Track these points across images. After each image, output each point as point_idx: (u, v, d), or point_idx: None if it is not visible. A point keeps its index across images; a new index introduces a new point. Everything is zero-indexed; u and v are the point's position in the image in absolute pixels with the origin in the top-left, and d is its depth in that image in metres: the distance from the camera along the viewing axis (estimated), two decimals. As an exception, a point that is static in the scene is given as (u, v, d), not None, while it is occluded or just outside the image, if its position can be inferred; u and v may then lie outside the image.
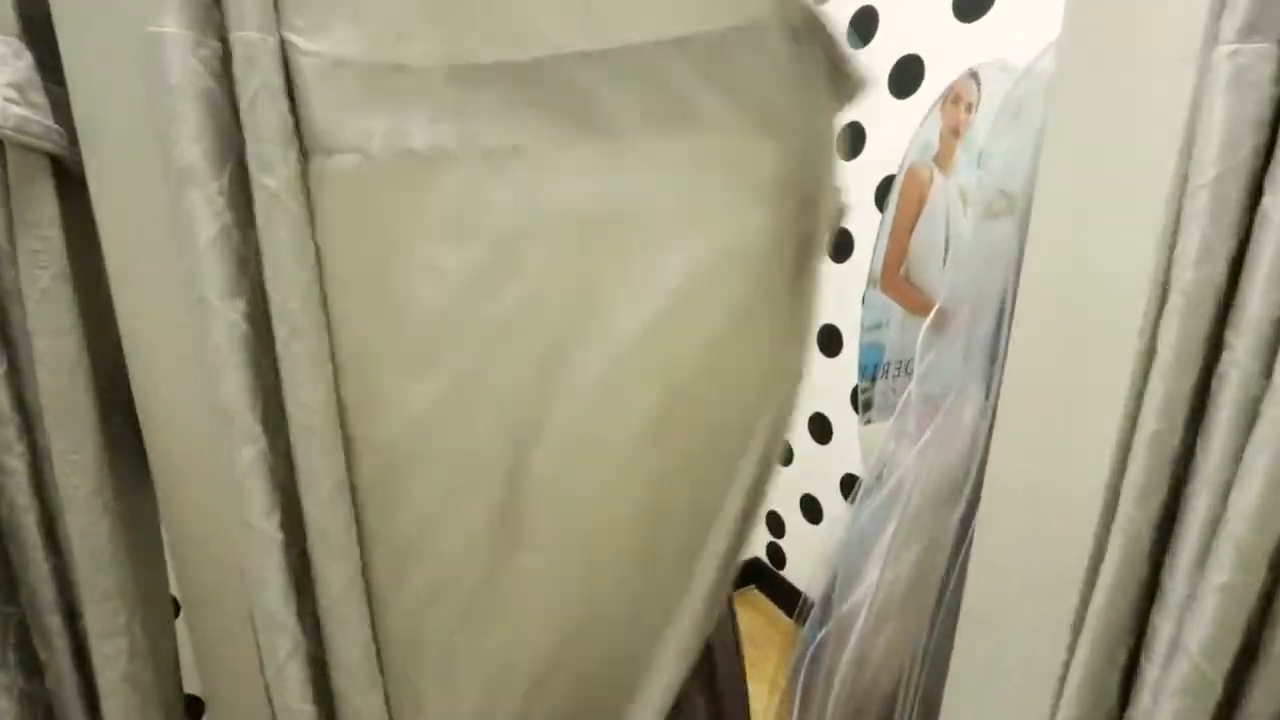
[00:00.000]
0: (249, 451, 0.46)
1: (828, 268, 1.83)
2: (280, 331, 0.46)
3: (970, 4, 1.35)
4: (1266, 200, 0.36)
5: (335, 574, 0.49)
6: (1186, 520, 0.40)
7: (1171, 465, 0.40)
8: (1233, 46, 0.36)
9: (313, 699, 0.48)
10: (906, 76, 1.50)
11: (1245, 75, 0.36)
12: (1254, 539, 0.35)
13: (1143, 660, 0.43)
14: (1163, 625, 0.42)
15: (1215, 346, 0.38)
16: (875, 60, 1.55)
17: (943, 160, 1.52)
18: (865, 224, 1.65)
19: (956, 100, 1.44)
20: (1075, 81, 0.46)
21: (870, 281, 1.72)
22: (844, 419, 1.85)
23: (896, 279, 1.71)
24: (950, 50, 1.41)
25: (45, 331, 0.44)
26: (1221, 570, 0.36)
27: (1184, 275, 0.38)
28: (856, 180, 1.65)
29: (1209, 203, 0.37)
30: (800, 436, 1.95)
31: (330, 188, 0.46)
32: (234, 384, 0.45)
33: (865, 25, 1.57)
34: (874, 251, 1.68)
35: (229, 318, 0.45)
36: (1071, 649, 0.44)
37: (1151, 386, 0.39)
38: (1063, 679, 0.44)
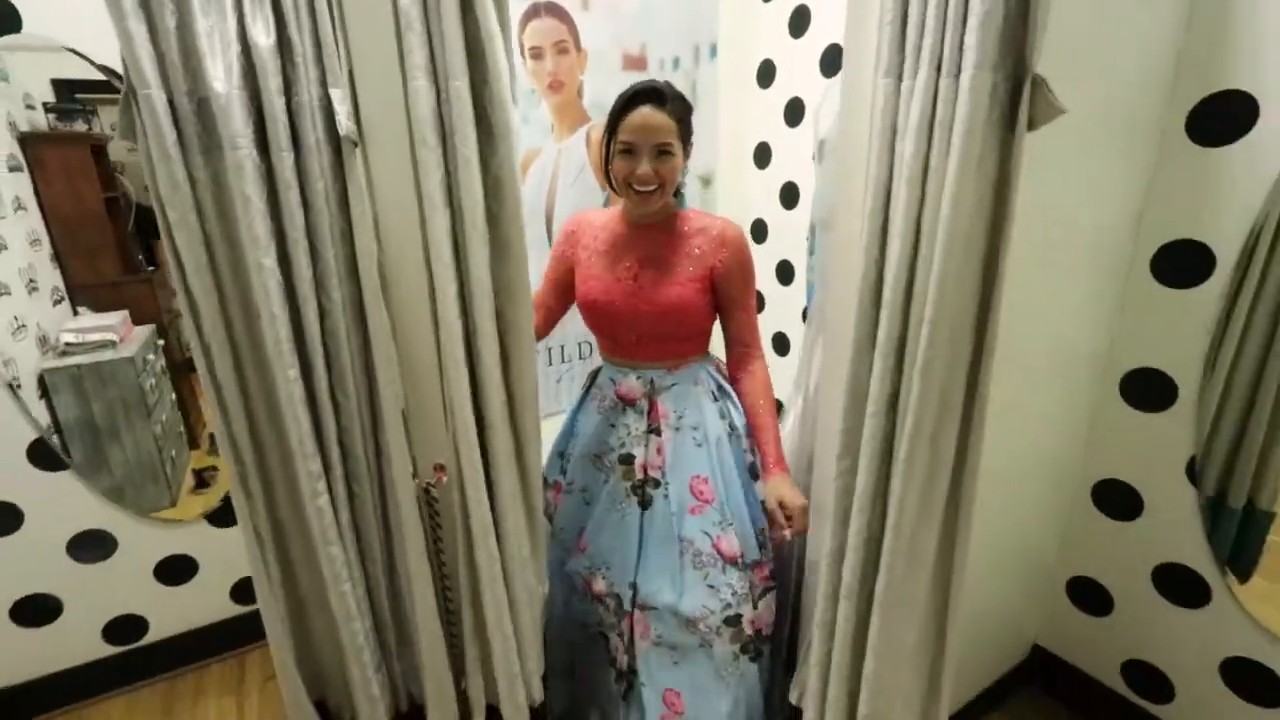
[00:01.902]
0: (454, 309, 0.96)
1: (780, 214, 2.30)
2: (470, 237, 0.95)
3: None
4: (897, 146, 0.86)
5: (495, 391, 1.01)
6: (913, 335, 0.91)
7: (903, 311, 0.89)
8: (883, 79, 0.85)
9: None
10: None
11: (887, 92, 0.85)
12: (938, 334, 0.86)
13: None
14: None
15: (916, 245, 0.88)
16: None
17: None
18: (807, 178, 2.13)
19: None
20: (846, 97, 0.96)
21: (815, 224, 2.20)
22: (797, 333, 2.35)
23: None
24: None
25: (389, 233, 0.95)
26: (915, 354, 0.87)
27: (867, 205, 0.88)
28: (800, 143, 2.12)
29: (876, 163, 0.87)
30: (766, 351, 2.46)
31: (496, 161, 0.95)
32: (447, 274, 0.95)
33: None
34: (814, 202, 2.15)
35: (444, 225, 0.94)
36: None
37: (886, 273, 0.89)
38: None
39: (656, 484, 1.26)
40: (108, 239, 1.73)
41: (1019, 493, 1.50)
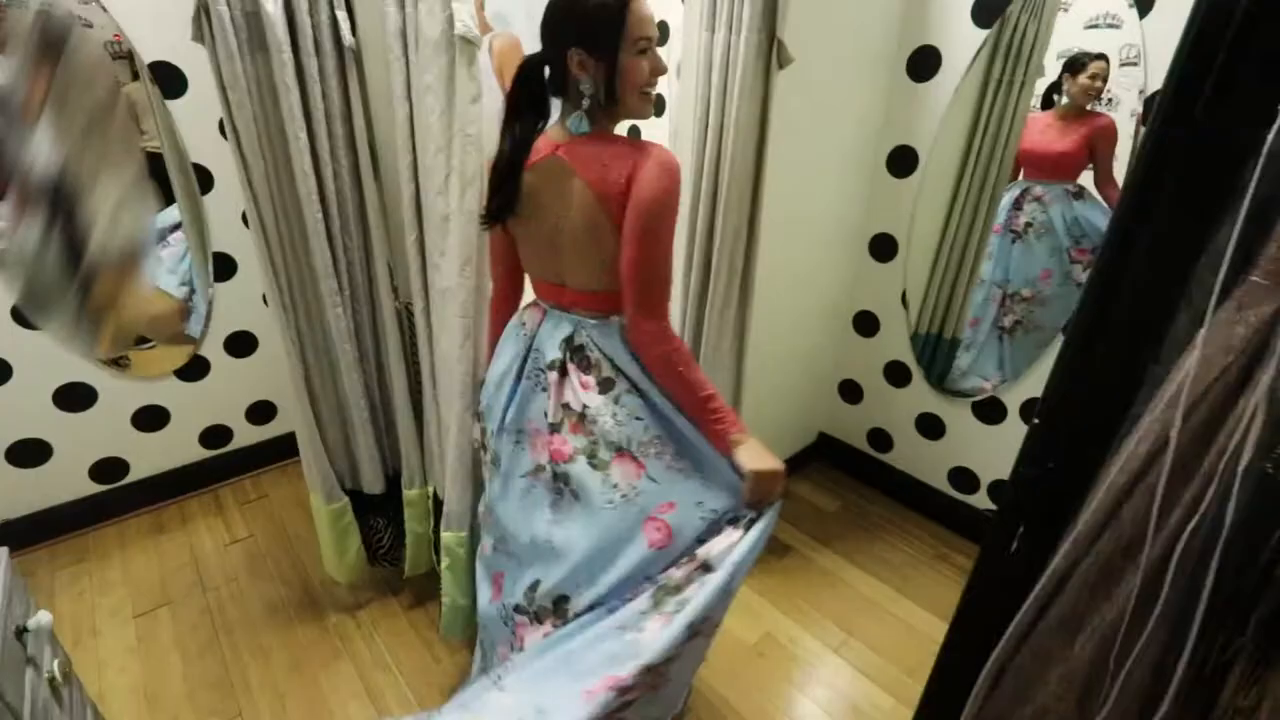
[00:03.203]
0: (407, 176, 1.43)
1: (652, 121, 2.77)
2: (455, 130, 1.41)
3: None
4: (711, 76, 1.43)
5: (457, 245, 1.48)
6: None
7: (713, 175, 1.48)
8: (704, 32, 1.41)
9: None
10: None
11: (706, 40, 1.41)
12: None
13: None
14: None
15: (720, 135, 1.46)
16: None
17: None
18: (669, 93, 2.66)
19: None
20: (686, 41, 1.50)
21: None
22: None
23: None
24: None
25: (376, 119, 1.37)
26: (720, 201, 1.46)
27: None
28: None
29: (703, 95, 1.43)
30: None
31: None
32: (404, 149, 1.40)
33: None
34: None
35: (404, 113, 1.39)
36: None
37: (705, 152, 1.47)
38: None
39: None
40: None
41: (806, 324, 2.24)
